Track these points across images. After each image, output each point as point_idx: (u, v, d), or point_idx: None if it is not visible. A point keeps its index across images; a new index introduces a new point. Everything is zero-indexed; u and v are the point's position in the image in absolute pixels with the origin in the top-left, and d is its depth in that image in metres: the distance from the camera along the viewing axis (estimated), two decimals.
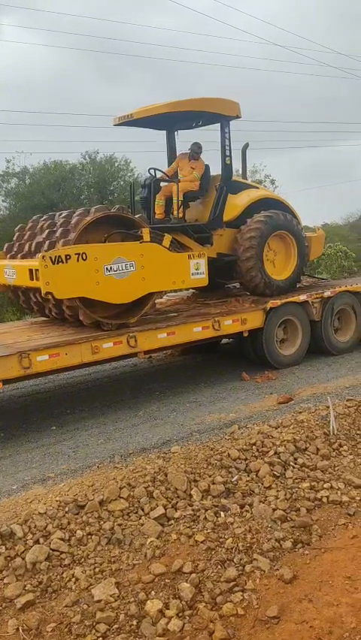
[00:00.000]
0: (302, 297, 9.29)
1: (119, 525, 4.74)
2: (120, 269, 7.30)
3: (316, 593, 4.01)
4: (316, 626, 3.70)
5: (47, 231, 7.82)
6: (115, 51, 78.24)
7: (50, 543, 4.46)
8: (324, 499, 5.15)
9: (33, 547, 4.39)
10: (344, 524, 4.82)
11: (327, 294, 9.60)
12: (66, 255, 6.84)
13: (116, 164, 25.75)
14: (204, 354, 10.54)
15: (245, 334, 8.72)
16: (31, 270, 7.08)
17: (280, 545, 4.54)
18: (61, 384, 9.27)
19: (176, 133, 9.98)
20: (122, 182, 25.34)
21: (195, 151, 9.20)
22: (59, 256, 6.79)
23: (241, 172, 10.77)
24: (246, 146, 10.17)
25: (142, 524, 4.76)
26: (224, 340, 10.30)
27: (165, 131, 10.01)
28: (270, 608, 3.89)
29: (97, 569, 4.29)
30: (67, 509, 4.81)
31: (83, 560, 4.39)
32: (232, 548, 4.47)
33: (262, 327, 8.79)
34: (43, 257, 6.72)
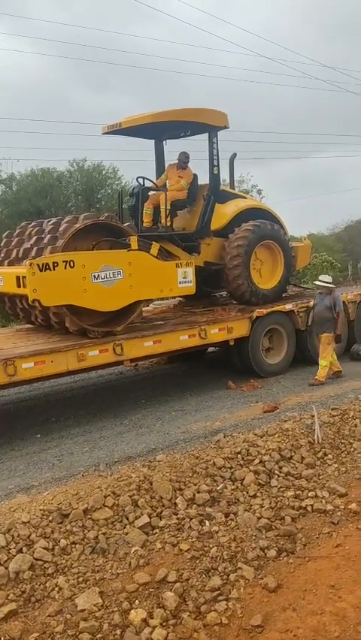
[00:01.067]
0: (288, 306, 9.35)
1: (104, 534, 4.71)
2: (108, 277, 7.30)
3: (300, 602, 4.02)
4: (300, 635, 3.71)
5: (34, 238, 7.80)
6: (103, 60, 78.67)
7: (33, 552, 4.42)
8: (309, 508, 5.17)
9: (16, 556, 4.35)
10: (328, 533, 4.84)
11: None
12: (54, 263, 6.83)
13: (103, 172, 25.78)
14: (191, 363, 10.55)
15: (231, 343, 8.75)
16: (18, 277, 7.06)
17: (265, 554, 4.54)
18: (46, 391, 9.22)
19: (164, 142, 10.03)
20: (109, 191, 25.37)
21: (183, 160, 9.27)
22: (47, 263, 6.78)
23: (228, 182, 10.84)
24: (233, 156, 10.26)
25: (127, 533, 4.73)
26: (210, 349, 10.33)
27: (153, 141, 10.07)
28: (254, 617, 3.88)
29: (81, 579, 4.25)
30: (51, 518, 4.77)
31: (66, 569, 4.36)
32: (216, 557, 4.47)
33: (248, 335, 8.83)
34: (30, 264, 6.70)
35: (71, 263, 6.96)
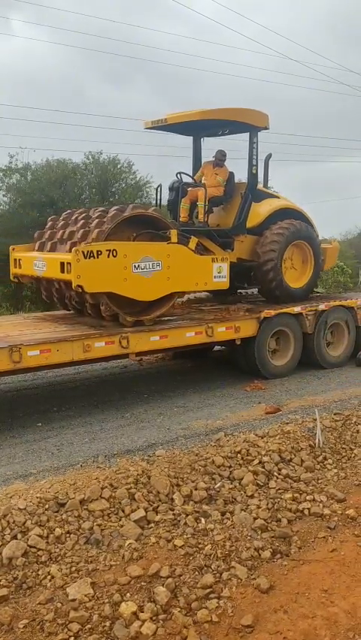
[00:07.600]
0: (296, 309, 9.31)
1: (99, 525, 4.70)
2: (147, 267, 7.48)
3: (291, 605, 3.99)
4: (289, 638, 3.68)
5: (81, 222, 7.97)
6: (120, 53, 78.58)
7: (27, 539, 4.41)
8: (306, 511, 5.13)
9: (10, 542, 4.34)
10: (324, 537, 4.81)
11: (321, 307, 9.63)
12: (97, 251, 7.01)
13: (118, 166, 25.70)
14: (195, 360, 10.52)
15: (238, 342, 8.72)
16: (62, 263, 7.22)
17: (259, 555, 4.51)
18: (50, 381, 9.23)
19: (202, 140, 10.17)
20: (123, 185, 25.30)
21: (220, 158, 9.56)
22: (91, 251, 6.96)
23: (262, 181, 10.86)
24: (269, 156, 10.29)
25: (122, 526, 4.72)
26: (216, 347, 10.31)
27: (187, 137, 10.32)
28: (245, 616, 3.86)
29: (73, 568, 4.25)
30: (47, 506, 4.76)
31: (60, 558, 4.35)
32: (210, 555, 4.44)
33: (255, 336, 8.80)
34: (75, 251, 6.89)
35: (114, 252, 7.12)
